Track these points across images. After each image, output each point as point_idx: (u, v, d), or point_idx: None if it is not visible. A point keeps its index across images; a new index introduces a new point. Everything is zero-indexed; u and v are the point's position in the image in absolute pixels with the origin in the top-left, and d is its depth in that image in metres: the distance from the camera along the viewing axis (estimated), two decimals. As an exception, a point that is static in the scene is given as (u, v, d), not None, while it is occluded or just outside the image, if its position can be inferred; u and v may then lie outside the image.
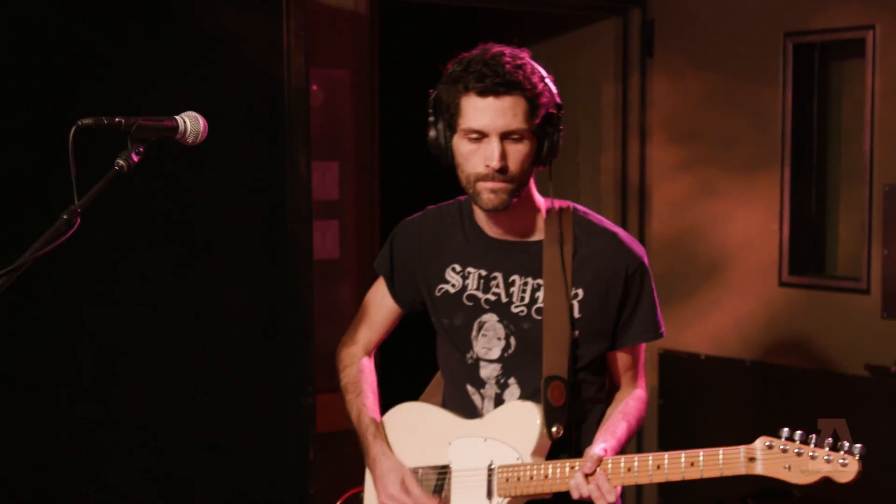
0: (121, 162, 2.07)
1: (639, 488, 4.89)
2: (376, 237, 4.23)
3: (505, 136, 2.34)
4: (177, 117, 2.18)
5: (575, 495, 2.31)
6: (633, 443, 4.82)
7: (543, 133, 2.39)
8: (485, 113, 2.33)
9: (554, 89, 2.44)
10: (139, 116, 2.11)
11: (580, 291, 2.45)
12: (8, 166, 3.09)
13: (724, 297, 4.48)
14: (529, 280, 2.48)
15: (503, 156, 2.33)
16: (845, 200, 4.38)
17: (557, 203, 2.50)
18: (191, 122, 2.20)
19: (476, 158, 2.36)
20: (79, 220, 2.02)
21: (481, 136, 2.35)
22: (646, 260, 2.53)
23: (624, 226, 4.76)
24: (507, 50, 2.39)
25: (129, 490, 3.32)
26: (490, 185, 2.36)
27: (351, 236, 4.15)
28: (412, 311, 2.69)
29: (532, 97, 2.34)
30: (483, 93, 2.32)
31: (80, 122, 2.04)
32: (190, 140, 2.21)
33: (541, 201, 2.51)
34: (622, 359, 2.57)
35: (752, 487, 4.09)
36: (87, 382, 3.27)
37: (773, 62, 4.29)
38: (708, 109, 4.53)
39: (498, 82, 2.31)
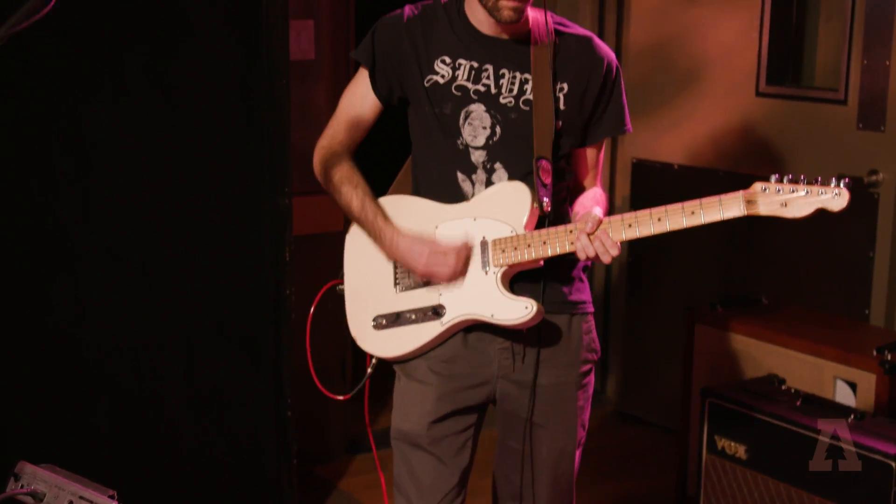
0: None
1: (607, 286, 4.93)
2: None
3: None
4: None
5: (581, 256, 2.42)
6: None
7: None
8: None
9: None
10: None
11: (565, 85, 2.56)
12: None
13: (699, 107, 4.43)
14: (518, 74, 2.56)
15: None
16: (826, 8, 4.31)
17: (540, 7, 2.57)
18: None
19: None
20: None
21: None
22: (617, 63, 2.66)
23: (601, 34, 4.70)
24: None
25: (91, 281, 3.26)
26: (512, 3, 2.42)
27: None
28: (388, 106, 2.67)
29: None
30: None
31: None
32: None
33: None
34: (590, 155, 2.70)
35: (719, 295, 4.11)
36: (68, 171, 3.18)
37: None
38: (691, -87, 4.40)
39: None
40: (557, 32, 2.58)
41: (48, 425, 3.21)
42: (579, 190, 2.71)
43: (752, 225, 4.27)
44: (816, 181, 2.25)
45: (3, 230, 3.05)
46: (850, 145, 4.03)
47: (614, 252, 2.40)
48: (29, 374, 3.17)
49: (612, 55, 2.63)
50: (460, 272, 2.53)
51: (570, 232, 2.43)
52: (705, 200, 2.30)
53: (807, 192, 2.26)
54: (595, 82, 2.58)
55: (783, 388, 3.60)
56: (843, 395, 3.56)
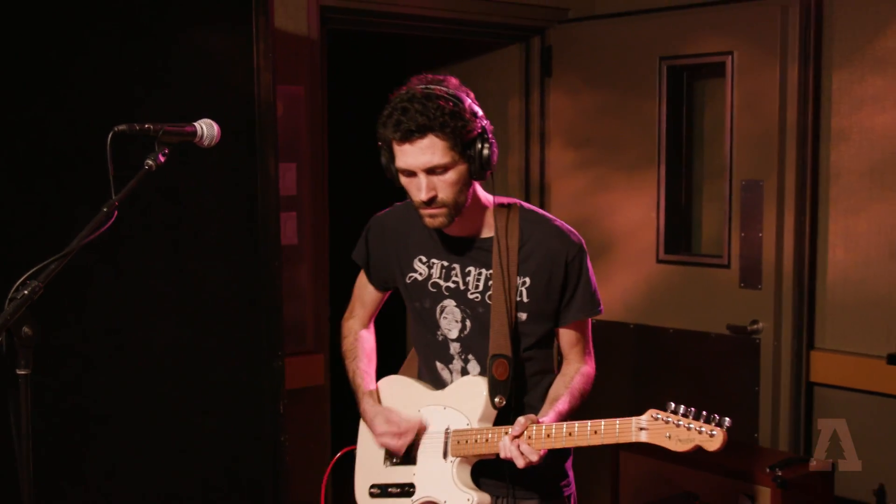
0: (150, 162, 2.02)
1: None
2: (326, 226, 4.19)
3: (430, 171, 2.25)
4: (195, 123, 2.12)
5: (503, 455, 2.27)
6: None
7: (471, 155, 2.27)
8: (407, 155, 2.24)
9: (476, 111, 2.30)
10: (165, 123, 2.06)
11: (527, 279, 2.39)
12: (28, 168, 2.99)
13: (612, 273, 4.52)
14: (483, 271, 2.40)
15: (430, 188, 2.25)
16: (709, 193, 4.45)
17: (504, 201, 2.42)
18: (207, 128, 2.14)
19: (412, 189, 2.30)
20: (116, 212, 1.97)
21: (411, 172, 2.27)
22: (584, 246, 2.46)
23: (528, 215, 4.78)
24: (423, 88, 2.27)
25: (119, 439, 3.23)
26: (427, 211, 2.29)
27: (307, 225, 4.10)
28: (388, 291, 2.64)
29: (449, 132, 2.22)
30: (402, 139, 2.23)
31: (116, 128, 1.98)
32: (206, 143, 2.15)
33: (490, 200, 2.42)
34: (567, 335, 2.49)
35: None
36: (93, 353, 3.18)
37: (650, 81, 4.33)
38: (597, 120, 4.55)
39: (411, 129, 2.21)
40: (523, 226, 2.39)
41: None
42: (563, 366, 2.52)
43: (658, 367, 4.38)
44: (701, 417, 2.10)
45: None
46: (734, 301, 4.13)
47: (533, 458, 2.23)
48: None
49: (574, 242, 2.42)
50: (405, 443, 2.44)
51: (506, 433, 2.27)
52: (607, 422, 2.18)
53: (689, 428, 2.09)
54: (558, 273, 2.39)
55: (697, 503, 3.62)
56: (747, 507, 3.61)
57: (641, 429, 2.14)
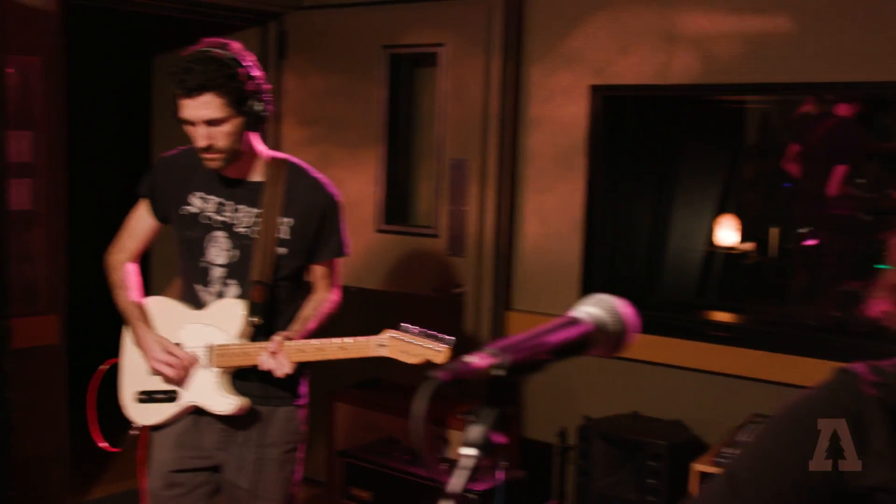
0: None
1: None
2: (64, 192, 4.16)
3: (209, 123, 2.49)
4: None
5: (263, 367, 2.57)
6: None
7: (245, 110, 2.52)
8: (189, 108, 2.48)
9: (252, 73, 2.54)
10: None
11: (290, 220, 2.65)
12: None
13: (337, 241, 4.66)
14: (252, 209, 2.64)
15: (208, 137, 2.50)
16: (424, 170, 4.64)
17: (278, 155, 2.71)
18: None
19: (193, 136, 2.53)
20: None
21: (192, 123, 2.51)
22: (338, 200, 2.75)
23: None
24: (206, 51, 2.50)
25: None
26: (204, 156, 2.55)
27: (43, 191, 4.06)
28: (165, 224, 2.79)
29: (225, 91, 2.47)
30: (184, 95, 2.47)
31: None
32: None
33: (265, 151, 2.68)
34: (318, 269, 2.79)
35: (356, 378, 4.34)
36: None
37: (374, 66, 4.50)
38: (326, 100, 4.67)
39: (192, 87, 2.45)
40: (290, 176, 2.65)
41: None
42: (312, 294, 2.79)
43: (374, 325, 4.60)
44: (431, 335, 2.42)
45: None
46: (443, 267, 4.37)
47: (286, 370, 2.55)
48: None
49: (332, 196, 2.71)
50: (180, 375, 2.64)
51: (264, 348, 2.56)
52: (355, 339, 2.50)
53: (420, 344, 2.43)
54: (314, 218, 2.68)
55: (398, 446, 3.84)
56: (442, 449, 3.88)
57: (381, 345, 2.46)
